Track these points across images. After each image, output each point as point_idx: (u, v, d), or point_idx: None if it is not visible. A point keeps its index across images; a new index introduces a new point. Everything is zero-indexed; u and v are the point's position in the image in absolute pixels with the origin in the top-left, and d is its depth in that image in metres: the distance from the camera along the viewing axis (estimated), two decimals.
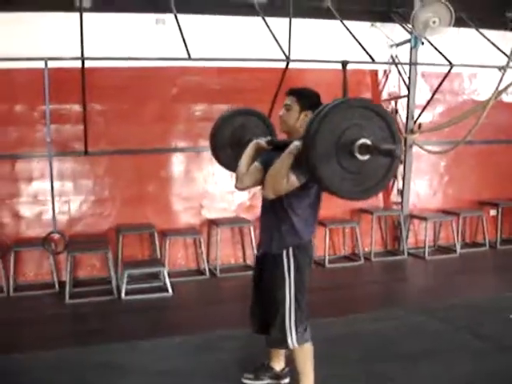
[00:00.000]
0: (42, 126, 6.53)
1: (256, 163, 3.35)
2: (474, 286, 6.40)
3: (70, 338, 5.04)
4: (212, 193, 7.23)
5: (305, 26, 7.07)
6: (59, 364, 4.33)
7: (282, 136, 3.57)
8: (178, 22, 6.37)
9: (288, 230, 3.29)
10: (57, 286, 6.38)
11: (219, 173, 7.06)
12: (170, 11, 6.58)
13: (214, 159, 3.96)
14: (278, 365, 3.88)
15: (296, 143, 2.98)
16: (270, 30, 6.58)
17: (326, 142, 2.62)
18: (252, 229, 6.99)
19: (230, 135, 3.81)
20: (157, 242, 6.67)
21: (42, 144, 6.45)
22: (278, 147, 3.30)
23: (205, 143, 6.56)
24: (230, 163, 3.81)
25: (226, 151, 3.84)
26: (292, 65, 6.49)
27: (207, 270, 6.83)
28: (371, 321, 5.19)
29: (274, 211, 3.32)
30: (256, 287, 3.56)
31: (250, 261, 7.21)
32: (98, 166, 6.83)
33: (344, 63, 6.48)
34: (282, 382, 3.88)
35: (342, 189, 2.69)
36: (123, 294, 6.03)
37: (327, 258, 7.17)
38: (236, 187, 3.46)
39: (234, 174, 3.47)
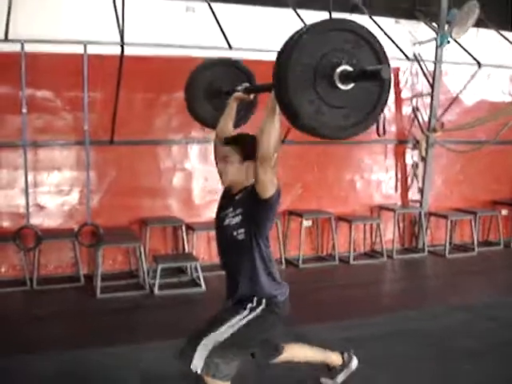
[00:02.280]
0: (65, 113, 6.35)
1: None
2: (504, 284, 6.46)
3: (114, 333, 4.86)
4: None
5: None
6: (103, 360, 4.21)
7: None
8: (212, 11, 6.26)
9: (256, 282, 2.93)
10: (82, 279, 6.18)
11: None
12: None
13: None
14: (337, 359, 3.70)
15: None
16: (304, 23, 6.50)
17: (301, 72, 2.27)
18: (280, 222, 6.92)
19: (207, 86, 3.48)
20: (184, 236, 6.51)
21: (63, 131, 6.31)
22: (258, 91, 3.12)
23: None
24: (208, 117, 3.50)
25: (203, 104, 3.50)
26: None
27: None
28: (417, 318, 5.17)
29: (237, 252, 2.94)
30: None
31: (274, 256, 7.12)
32: (122, 156, 6.62)
33: None
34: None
35: (326, 126, 2.35)
36: (156, 289, 5.86)
37: (351, 254, 7.13)
38: (216, 130, 3.24)
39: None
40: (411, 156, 7.93)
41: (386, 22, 7.40)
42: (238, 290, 2.96)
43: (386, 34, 6.90)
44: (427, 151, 7.59)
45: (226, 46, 6.14)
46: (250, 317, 2.91)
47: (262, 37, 6.62)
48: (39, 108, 6.14)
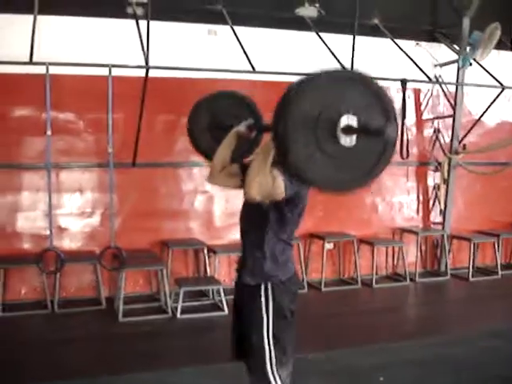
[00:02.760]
0: (88, 135, 6.36)
1: (235, 165, 2.99)
2: None
3: (139, 359, 4.77)
4: None
5: (349, 43, 6.99)
6: None
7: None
8: (235, 34, 6.25)
9: (266, 257, 2.83)
10: (104, 302, 6.12)
11: None
12: (222, 22, 6.46)
13: None
14: None
15: None
16: (326, 45, 6.50)
17: (305, 112, 2.16)
18: (302, 245, 6.85)
19: (210, 119, 3.35)
20: (206, 259, 6.46)
21: (85, 153, 6.31)
22: (261, 131, 3.00)
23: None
24: (209, 149, 3.26)
25: (205, 136, 3.35)
26: None
27: None
28: (445, 344, 5.07)
29: (252, 228, 2.89)
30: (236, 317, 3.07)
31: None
32: (143, 178, 6.59)
33: (403, 81, 6.49)
34: None
35: (314, 172, 2.21)
36: (179, 313, 5.79)
37: (374, 277, 7.05)
38: (207, 180, 3.15)
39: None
40: (433, 178, 7.87)
41: (407, 44, 7.38)
42: (245, 260, 2.90)
43: (407, 55, 6.89)
44: (449, 173, 7.52)
45: (248, 68, 6.12)
46: (270, 311, 2.79)
47: (284, 60, 6.63)
48: (62, 130, 6.13)
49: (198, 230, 6.81)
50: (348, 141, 2.17)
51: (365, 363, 4.60)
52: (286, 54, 6.74)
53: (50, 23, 5.93)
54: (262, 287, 2.80)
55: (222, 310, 5.91)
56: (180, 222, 6.77)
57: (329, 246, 7.02)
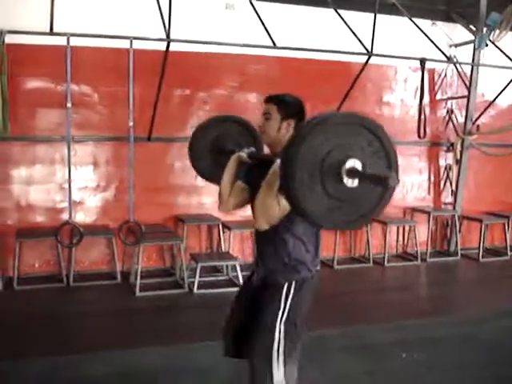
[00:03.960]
0: (102, 108, 6.31)
1: (239, 182, 2.95)
2: None
3: (159, 332, 4.79)
4: None
5: (366, 21, 6.93)
6: (149, 360, 4.15)
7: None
8: (254, 8, 6.17)
9: (288, 257, 2.78)
10: (119, 276, 6.12)
11: None
12: None
13: None
14: None
15: (279, 162, 2.37)
16: (345, 22, 6.43)
17: (307, 167, 2.18)
18: None
19: (211, 144, 3.33)
20: (222, 235, 6.46)
21: (102, 127, 6.27)
22: (261, 162, 2.91)
23: None
24: (210, 172, 3.31)
25: (206, 160, 3.33)
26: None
27: None
28: (466, 323, 5.11)
29: (270, 237, 2.79)
30: (241, 310, 3.02)
31: None
32: (158, 153, 6.57)
33: (422, 60, 6.45)
34: None
35: (330, 220, 2.26)
36: (195, 288, 5.81)
37: (386, 256, 7.08)
38: (220, 210, 3.06)
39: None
40: (445, 158, 7.88)
41: (423, 24, 7.32)
42: (264, 256, 2.84)
43: (424, 34, 6.83)
44: (462, 154, 7.52)
45: (266, 43, 6.05)
46: (289, 302, 2.75)
47: (302, 36, 6.58)
48: (78, 103, 6.06)
49: (211, 206, 6.78)
50: (350, 182, 2.16)
51: (384, 340, 4.64)
52: (303, 31, 6.69)
53: None
54: (285, 286, 2.76)
55: (238, 286, 5.92)
56: (194, 197, 6.76)
57: None
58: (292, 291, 2.75)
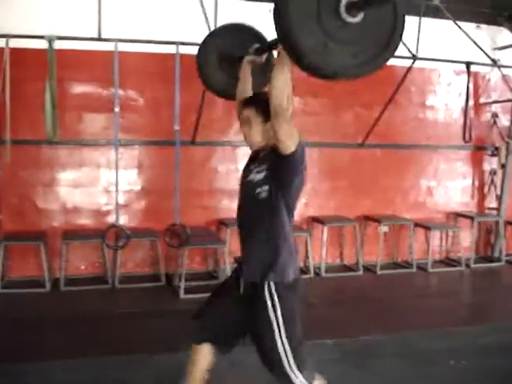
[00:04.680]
0: (148, 112, 6.38)
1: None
2: None
3: None
4: (315, 189, 7.02)
5: (410, 24, 6.88)
6: None
7: None
8: None
9: (270, 251, 2.73)
10: (163, 278, 6.18)
11: (323, 169, 6.95)
12: None
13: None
14: None
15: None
16: None
17: (303, 4, 2.03)
18: (357, 227, 6.84)
19: (219, 54, 3.22)
20: None
21: (148, 131, 6.33)
22: (270, 48, 2.86)
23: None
24: (222, 86, 3.24)
25: (217, 73, 3.23)
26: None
27: (312, 268, 6.62)
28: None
29: (256, 211, 2.76)
30: (225, 297, 2.99)
31: (349, 261, 7.09)
32: (201, 156, 6.63)
33: (468, 64, 6.39)
34: None
35: (333, 64, 2.09)
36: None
37: (430, 262, 7.02)
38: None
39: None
40: (489, 163, 7.78)
41: (467, 27, 7.25)
42: (250, 256, 2.80)
43: (469, 37, 6.77)
44: (507, 158, 7.42)
45: None
46: (279, 312, 2.69)
47: None
48: (125, 107, 6.15)
49: None
50: (356, 19, 2.07)
51: (431, 346, 4.60)
52: None
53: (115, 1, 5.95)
54: (266, 288, 2.71)
55: None
56: (236, 201, 6.75)
57: (384, 228, 6.99)
58: (276, 297, 2.69)
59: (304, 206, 6.98)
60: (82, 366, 4.04)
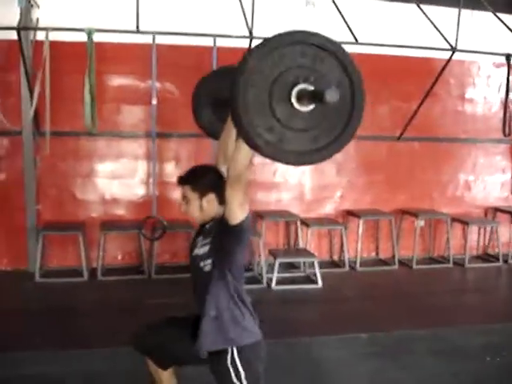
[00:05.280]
0: (182, 105, 6.38)
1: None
2: None
3: None
4: (351, 182, 6.99)
5: (448, 15, 6.77)
6: None
7: None
8: (335, 4, 6.13)
9: (225, 321, 2.67)
10: None
11: (360, 162, 6.91)
12: None
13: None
14: None
15: None
16: (428, 18, 6.30)
17: (255, 98, 2.00)
18: (393, 221, 6.79)
19: (214, 95, 3.16)
20: (299, 231, 6.47)
21: (184, 123, 6.36)
22: None
23: None
24: (209, 124, 3.22)
25: (207, 111, 3.21)
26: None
27: (347, 262, 6.60)
28: None
29: (203, 284, 2.67)
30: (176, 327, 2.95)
31: (384, 255, 7.04)
32: None
33: (508, 56, 6.27)
34: None
35: (292, 153, 2.06)
36: (274, 284, 5.85)
37: (467, 257, 6.93)
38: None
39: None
40: None
41: (507, 18, 7.08)
42: (205, 328, 2.68)
43: (509, 28, 6.61)
44: None
45: (346, 39, 6.00)
46: (243, 378, 2.63)
47: (383, 32, 6.48)
48: (162, 99, 6.18)
49: (289, 203, 6.83)
50: (308, 108, 2.04)
51: (468, 343, 4.56)
52: (384, 26, 6.59)
53: None
54: (229, 355, 2.65)
55: (316, 283, 5.93)
56: (273, 193, 6.80)
57: (421, 223, 6.92)
58: (240, 362, 2.65)
59: (340, 199, 6.97)
60: (119, 354, 4.10)
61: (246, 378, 2.64)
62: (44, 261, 6.12)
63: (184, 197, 2.76)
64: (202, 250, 2.72)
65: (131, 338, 3.01)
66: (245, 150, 2.32)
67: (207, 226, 2.77)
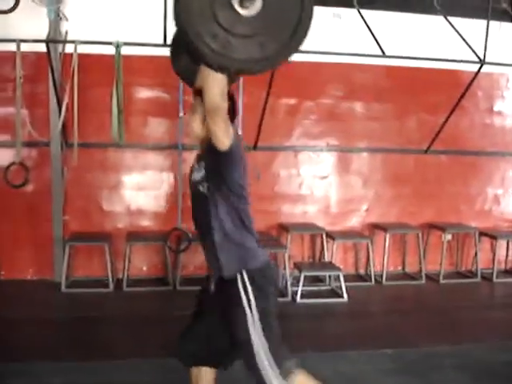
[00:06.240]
0: None
1: None
2: None
3: None
4: (378, 195, 6.94)
5: (476, 27, 6.70)
6: None
7: None
8: (362, 17, 6.11)
9: (231, 243, 2.73)
10: None
11: (386, 175, 6.86)
12: (348, 6, 6.34)
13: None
14: None
15: None
16: (456, 30, 6.25)
17: (197, 4, 1.93)
18: (420, 234, 6.70)
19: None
20: (325, 244, 6.44)
21: None
22: None
23: (352, 143, 6.70)
24: (186, 71, 3.01)
25: (184, 58, 2.92)
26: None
27: (373, 276, 6.53)
28: None
29: (203, 208, 2.73)
30: (200, 315, 2.98)
31: (411, 269, 6.95)
32: (263, 161, 6.60)
33: None
34: None
35: (239, 60, 1.99)
36: (298, 297, 5.81)
37: (495, 271, 6.83)
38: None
39: None
40: None
41: None
42: (213, 253, 2.74)
43: None
44: None
45: (372, 52, 5.98)
46: (253, 302, 2.65)
47: (408, 44, 6.44)
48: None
49: (314, 215, 6.80)
50: (253, 11, 1.97)
51: (494, 360, 4.46)
52: (411, 39, 6.55)
53: None
54: (239, 278, 2.68)
55: (341, 297, 5.88)
56: (298, 206, 6.78)
57: (448, 237, 6.83)
58: (250, 283, 2.66)
59: (366, 213, 6.92)
60: (145, 366, 4.11)
61: (257, 305, 2.65)
62: (70, 271, 6.17)
63: (193, 107, 2.80)
64: (199, 174, 2.77)
65: (175, 354, 3.01)
66: (211, 77, 2.33)
67: (204, 150, 2.78)
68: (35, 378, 3.89)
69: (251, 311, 2.65)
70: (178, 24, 2.00)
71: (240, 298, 2.66)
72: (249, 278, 2.67)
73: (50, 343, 4.53)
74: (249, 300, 2.66)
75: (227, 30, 1.98)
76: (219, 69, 2.09)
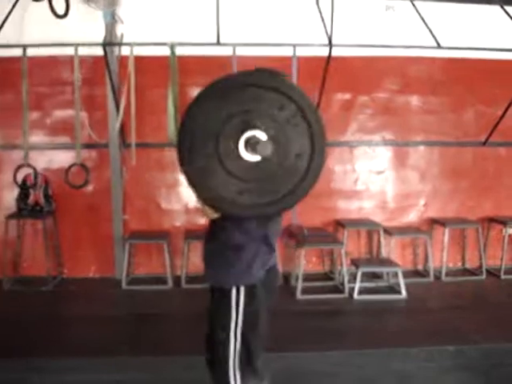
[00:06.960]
0: None
1: None
2: None
3: (322, 336, 4.80)
4: (435, 189, 6.83)
5: None
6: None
7: None
8: (416, 9, 6.02)
9: (230, 252, 2.60)
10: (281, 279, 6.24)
11: (444, 169, 6.75)
12: None
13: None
14: None
15: None
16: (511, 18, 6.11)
17: (202, 137, 1.99)
18: (480, 229, 6.56)
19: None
20: (382, 240, 6.38)
21: None
22: None
23: (408, 136, 6.60)
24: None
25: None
26: None
27: (431, 272, 6.44)
28: None
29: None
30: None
31: (471, 265, 6.82)
32: None
33: None
34: None
35: (213, 188, 1.99)
36: (356, 294, 5.78)
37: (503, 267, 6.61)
38: None
39: None
40: None
41: None
42: (209, 259, 2.73)
43: None
44: None
45: (427, 44, 5.89)
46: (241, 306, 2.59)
47: (464, 35, 6.32)
48: None
49: (371, 211, 6.74)
50: (253, 159, 1.98)
51: None
52: (467, 30, 6.42)
53: (232, 6, 6.05)
54: (233, 290, 2.60)
55: (400, 294, 5.81)
56: (354, 201, 6.74)
57: (510, 231, 6.66)
58: (244, 297, 2.60)
59: (423, 207, 6.81)
60: (201, 363, 4.14)
61: (244, 312, 2.61)
62: (130, 269, 6.31)
63: None
64: None
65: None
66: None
67: None
68: (95, 374, 4.01)
69: (237, 312, 2.64)
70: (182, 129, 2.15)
71: (229, 299, 2.64)
72: (241, 292, 2.64)
73: (110, 340, 4.63)
74: (237, 303, 2.64)
75: (221, 161, 2.04)
76: (192, 184, 2.14)
